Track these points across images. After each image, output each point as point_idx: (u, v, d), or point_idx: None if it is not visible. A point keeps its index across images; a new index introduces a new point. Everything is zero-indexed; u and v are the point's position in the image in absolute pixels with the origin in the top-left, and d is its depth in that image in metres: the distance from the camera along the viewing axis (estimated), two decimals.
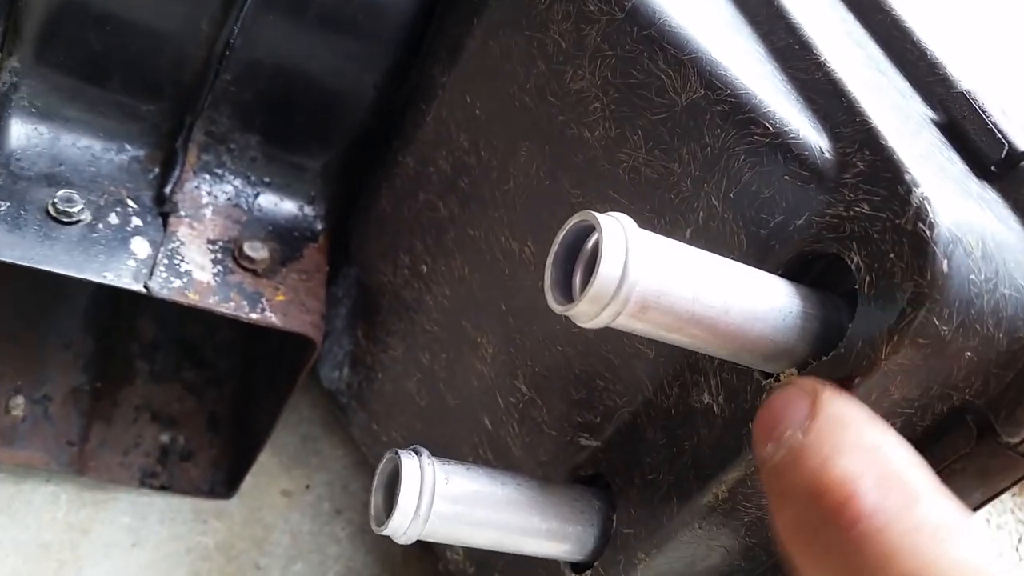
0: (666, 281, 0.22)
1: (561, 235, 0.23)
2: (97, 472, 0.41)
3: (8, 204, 0.33)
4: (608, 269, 0.22)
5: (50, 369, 0.43)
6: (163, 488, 0.42)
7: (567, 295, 0.23)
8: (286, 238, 0.38)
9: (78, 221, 0.33)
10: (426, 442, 0.34)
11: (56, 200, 0.33)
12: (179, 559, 0.41)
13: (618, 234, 0.22)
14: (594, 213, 0.22)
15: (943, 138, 0.27)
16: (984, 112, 0.27)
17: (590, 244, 0.23)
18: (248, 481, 0.43)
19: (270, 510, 0.44)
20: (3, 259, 0.32)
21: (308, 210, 0.39)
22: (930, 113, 0.28)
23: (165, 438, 0.43)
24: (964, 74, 0.29)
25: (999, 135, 0.26)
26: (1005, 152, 0.26)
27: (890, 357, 0.22)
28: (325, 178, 0.39)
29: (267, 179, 0.38)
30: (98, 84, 0.35)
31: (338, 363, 0.41)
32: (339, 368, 0.41)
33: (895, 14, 0.31)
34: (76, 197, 0.34)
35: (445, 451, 0.36)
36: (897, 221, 0.23)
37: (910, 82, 0.29)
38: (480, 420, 0.34)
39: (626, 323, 0.22)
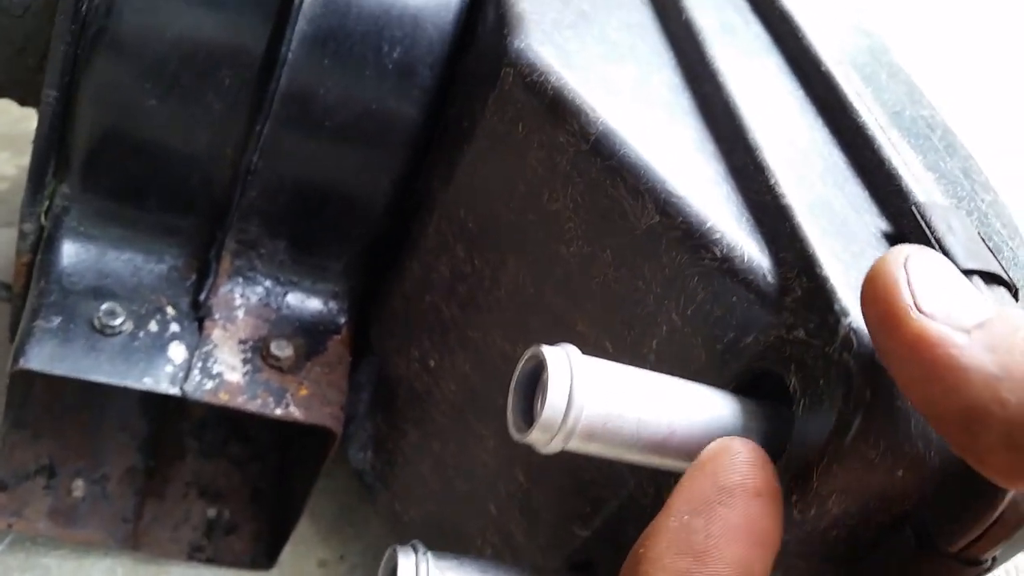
0: (611, 409, 0.24)
1: (518, 369, 0.26)
2: (150, 547, 0.45)
3: (60, 319, 0.37)
4: (554, 400, 0.24)
5: (108, 451, 0.47)
6: (209, 561, 0.46)
7: (529, 420, 0.26)
8: (312, 332, 0.42)
9: (120, 332, 0.37)
10: (440, 524, 0.37)
11: (100, 314, 0.37)
12: None
13: (563, 367, 0.24)
14: (543, 348, 0.25)
15: None
16: (930, 227, 0.28)
17: (544, 375, 0.25)
18: (287, 550, 0.46)
19: None
20: (54, 372, 0.36)
21: (332, 304, 0.42)
22: (883, 225, 0.30)
23: (212, 512, 0.47)
24: (918, 185, 0.30)
25: (939, 252, 0.27)
26: None
27: (822, 479, 0.24)
28: (347, 275, 0.42)
29: (295, 279, 0.42)
30: (137, 205, 0.39)
31: (363, 445, 0.44)
32: (364, 450, 0.44)
33: (860, 121, 0.33)
34: (119, 309, 0.37)
35: (456, 534, 0.39)
36: (827, 349, 0.25)
37: (869, 191, 0.31)
38: (486, 506, 0.37)
39: (578, 448, 0.25)
